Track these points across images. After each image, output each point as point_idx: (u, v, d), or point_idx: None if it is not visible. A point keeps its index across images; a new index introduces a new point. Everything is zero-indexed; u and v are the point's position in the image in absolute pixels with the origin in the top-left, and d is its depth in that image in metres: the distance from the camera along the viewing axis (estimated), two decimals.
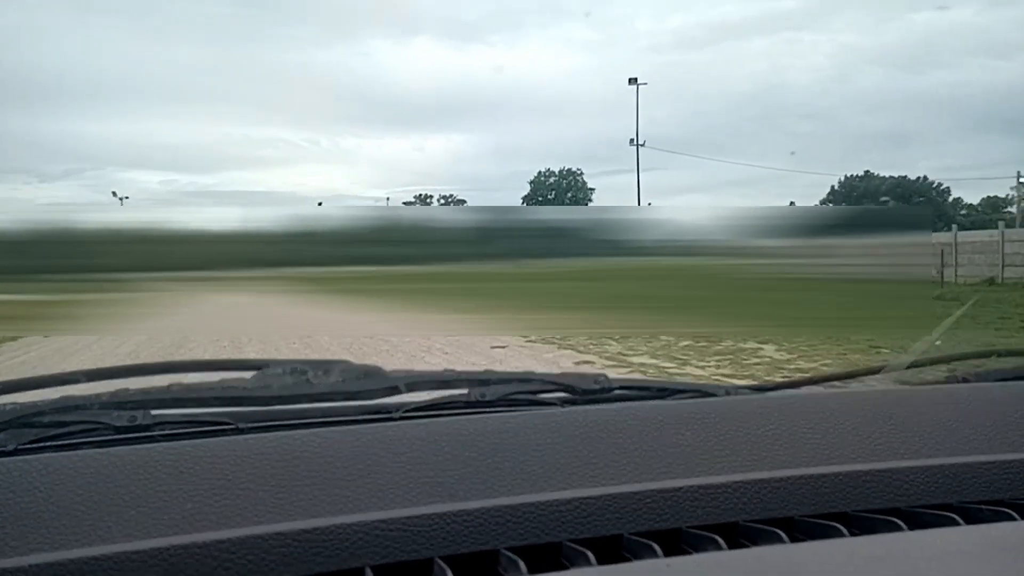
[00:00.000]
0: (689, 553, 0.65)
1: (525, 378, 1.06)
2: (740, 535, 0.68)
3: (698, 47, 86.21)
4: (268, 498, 0.67)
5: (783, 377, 5.94)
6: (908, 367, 1.21)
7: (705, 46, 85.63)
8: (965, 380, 1.16)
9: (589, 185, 69.42)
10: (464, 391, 1.01)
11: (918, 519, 0.70)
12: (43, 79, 72.51)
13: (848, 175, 64.13)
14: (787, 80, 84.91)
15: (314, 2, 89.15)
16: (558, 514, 0.66)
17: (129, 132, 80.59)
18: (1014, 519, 0.70)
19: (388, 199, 66.72)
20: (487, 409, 0.98)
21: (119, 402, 0.89)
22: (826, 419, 0.92)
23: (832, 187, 64.73)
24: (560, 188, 68.31)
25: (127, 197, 47.77)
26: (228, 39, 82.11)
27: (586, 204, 67.98)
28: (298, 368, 0.97)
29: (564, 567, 0.63)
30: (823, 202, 63.00)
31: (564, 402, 1.04)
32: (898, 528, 0.68)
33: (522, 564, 0.61)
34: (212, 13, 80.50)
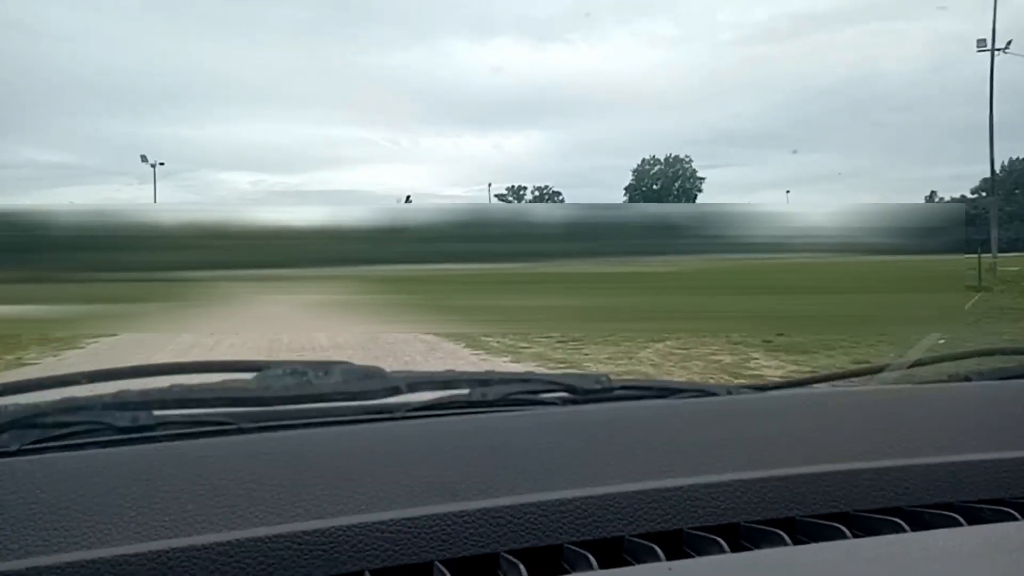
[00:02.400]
0: (691, 556, 0.65)
1: (526, 378, 1.07)
2: (742, 536, 0.68)
3: (784, 39, 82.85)
4: (270, 498, 0.68)
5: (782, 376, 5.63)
6: (911, 366, 1.21)
7: (791, 38, 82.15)
8: (968, 379, 1.15)
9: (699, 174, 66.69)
10: (465, 391, 1.01)
11: (919, 519, 0.70)
12: (143, 85, 76.90)
13: (1013, 158, 59.03)
14: (878, 71, 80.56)
15: (396, 5, 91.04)
16: (559, 515, 0.66)
17: (222, 135, 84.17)
18: (1015, 519, 0.70)
19: (490, 185, 65.13)
20: (488, 409, 0.99)
21: (121, 403, 0.89)
22: (828, 418, 0.92)
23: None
24: (666, 177, 65.77)
25: (162, 163, 46.36)
26: (315, 43, 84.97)
27: (695, 194, 65.43)
28: (299, 369, 0.98)
29: (565, 570, 0.63)
30: (974, 191, 58.47)
31: (565, 402, 1.04)
32: (899, 528, 0.68)
33: (522, 568, 0.61)
34: (301, 18, 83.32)
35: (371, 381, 0.99)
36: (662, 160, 66.25)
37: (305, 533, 0.61)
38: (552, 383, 1.06)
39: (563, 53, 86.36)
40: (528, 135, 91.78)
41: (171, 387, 0.94)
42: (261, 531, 0.61)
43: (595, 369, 7.22)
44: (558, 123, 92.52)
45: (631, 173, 66.28)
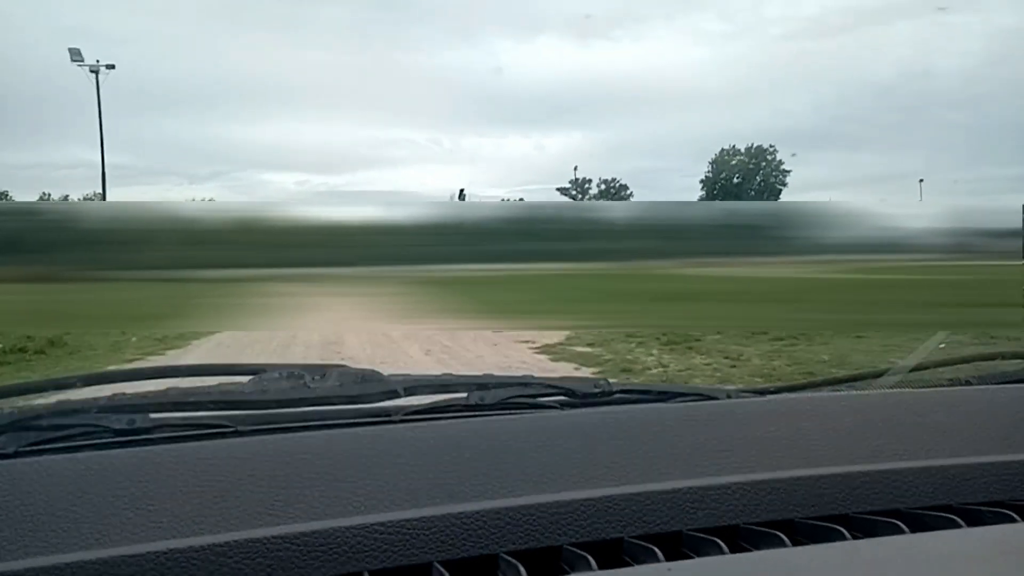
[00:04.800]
0: (690, 557, 0.65)
1: (524, 382, 1.06)
2: (741, 538, 0.68)
3: (835, 33, 79.11)
4: (267, 500, 0.68)
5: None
6: (912, 370, 1.21)
7: (842, 32, 78.71)
8: (968, 383, 1.16)
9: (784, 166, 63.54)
10: (463, 395, 1.01)
11: (918, 521, 0.70)
12: (192, 87, 76.75)
13: None
14: (934, 67, 76.22)
15: (441, 6, 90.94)
16: (558, 516, 0.66)
17: (268, 136, 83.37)
18: (1015, 521, 0.70)
19: (577, 167, 60.94)
20: (486, 413, 0.99)
21: (117, 405, 0.89)
22: (828, 422, 0.92)
23: None
24: (747, 169, 63.46)
25: (111, 66, 29.23)
26: (359, 45, 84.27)
27: (780, 189, 62.90)
28: (295, 373, 0.98)
29: (564, 571, 0.63)
30: None
31: (564, 406, 1.04)
32: (898, 530, 0.68)
33: (521, 569, 0.61)
34: (345, 20, 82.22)
35: (368, 385, 0.99)
36: (743, 150, 63.09)
37: (304, 534, 0.61)
38: (551, 387, 1.07)
39: (607, 51, 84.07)
40: (570, 135, 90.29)
41: (167, 390, 0.95)
42: (260, 532, 0.61)
43: None
44: (600, 123, 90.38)
45: (708, 164, 63.00)
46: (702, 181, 61.87)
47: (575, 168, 62.94)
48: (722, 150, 61.69)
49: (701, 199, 60.80)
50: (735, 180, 60.36)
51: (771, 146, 61.13)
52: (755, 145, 61.35)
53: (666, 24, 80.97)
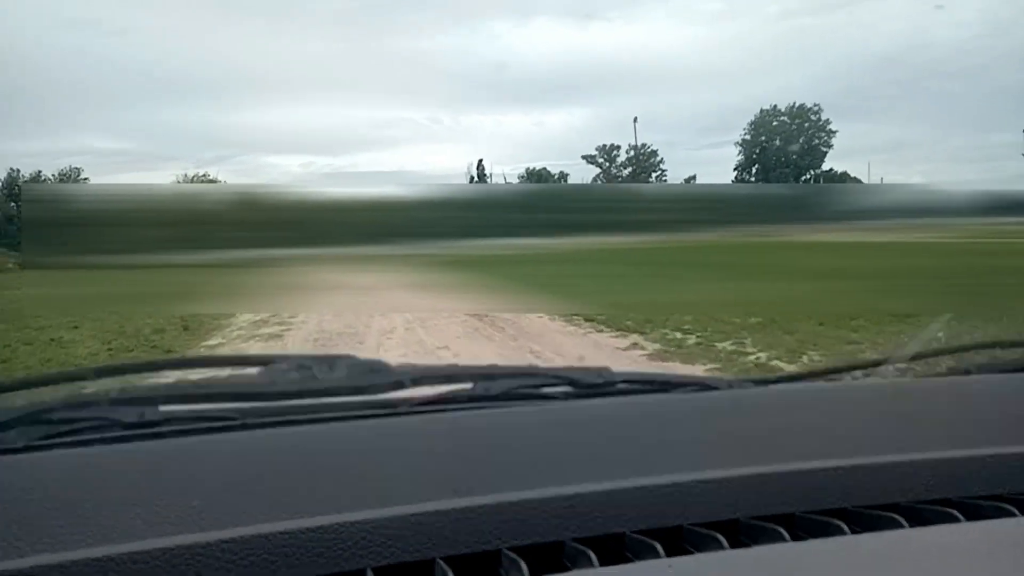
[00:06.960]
0: (691, 552, 0.65)
1: (529, 372, 1.09)
2: (741, 532, 0.69)
3: (832, 9, 78.25)
4: (274, 494, 0.68)
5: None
6: (911, 359, 1.20)
7: (839, 8, 78.29)
8: (968, 372, 1.16)
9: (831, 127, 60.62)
10: (468, 385, 1.02)
11: (918, 515, 0.70)
12: (196, 75, 77.61)
13: None
14: (932, 39, 75.54)
15: None
16: (560, 511, 0.67)
17: (271, 120, 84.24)
18: (1013, 515, 0.70)
19: (637, 118, 59.28)
20: (491, 403, 1.00)
21: (128, 398, 0.90)
22: (828, 412, 0.93)
23: None
24: (789, 131, 61.12)
25: None
26: (358, 29, 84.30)
27: (825, 151, 60.44)
28: (304, 363, 0.98)
29: (566, 567, 0.63)
30: None
31: (567, 396, 1.05)
32: (898, 524, 0.68)
33: (524, 565, 0.61)
34: (344, 6, 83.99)
35: (375, 375, 1.00)
36: (784, 111, 60.83)
37: (309, 530, 0.62)
38: (554, 377, 1.08)
39: (604, 31, 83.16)
40: (570, 112, 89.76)
41: (177, 382, 0.96)
42: (265, 528, 0.61)
43: None
44: (601, 100, 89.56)
45: (746, 127, 60.72)
46: (739, 144, 59.72)
47: (635, 119, 60.78)
48: (762, 111, 58.84)
49: (738, 164, 59.43)
50: (776, 143, 58.50)
51: (815, 105, 58.57)
52: (797, 105, 58.80)
53: (662, 4, 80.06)
